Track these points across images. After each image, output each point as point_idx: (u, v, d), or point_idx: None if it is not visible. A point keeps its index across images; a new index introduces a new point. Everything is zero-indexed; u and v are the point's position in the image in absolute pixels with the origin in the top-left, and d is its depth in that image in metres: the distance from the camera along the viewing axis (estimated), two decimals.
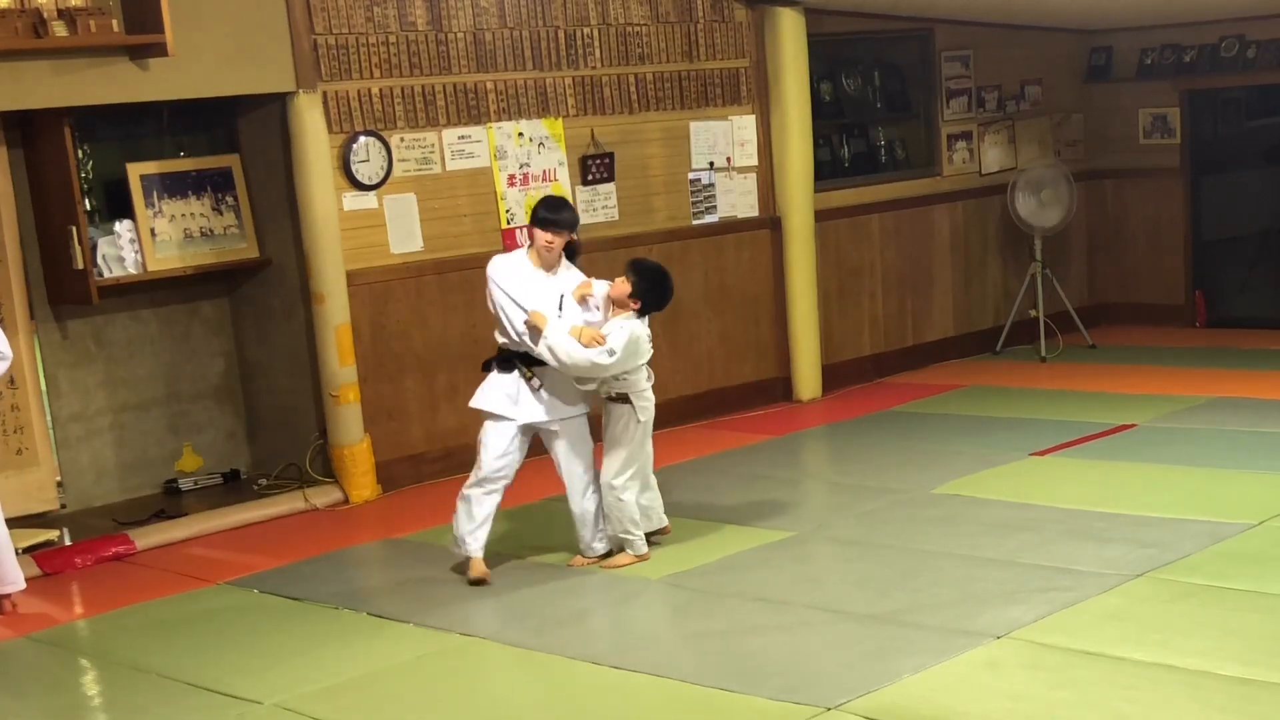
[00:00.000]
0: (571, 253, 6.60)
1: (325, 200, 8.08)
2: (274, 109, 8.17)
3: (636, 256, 7.09)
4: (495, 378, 6.61)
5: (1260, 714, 4.67)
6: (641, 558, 6.62)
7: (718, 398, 9.76)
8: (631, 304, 6.48)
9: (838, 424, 9.45)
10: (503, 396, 6.56)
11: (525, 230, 6.59)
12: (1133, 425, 8.61)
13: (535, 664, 5.61)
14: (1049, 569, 6.16)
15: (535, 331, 6.41)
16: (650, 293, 6.51)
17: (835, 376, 10.30)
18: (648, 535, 6.72)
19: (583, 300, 6.53)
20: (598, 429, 6.71)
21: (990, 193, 11.32)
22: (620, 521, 6.60)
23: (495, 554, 7.07)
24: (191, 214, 8.36)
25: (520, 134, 8.87)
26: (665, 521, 6.86)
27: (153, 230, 8.20)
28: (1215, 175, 11.92)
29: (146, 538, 7.67)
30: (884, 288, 10.74)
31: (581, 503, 6.67)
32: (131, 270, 8.13)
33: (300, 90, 7.98)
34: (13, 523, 7.87)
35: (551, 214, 6.49)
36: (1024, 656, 5.27)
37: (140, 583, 7.11)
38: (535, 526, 7.54)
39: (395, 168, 8.42)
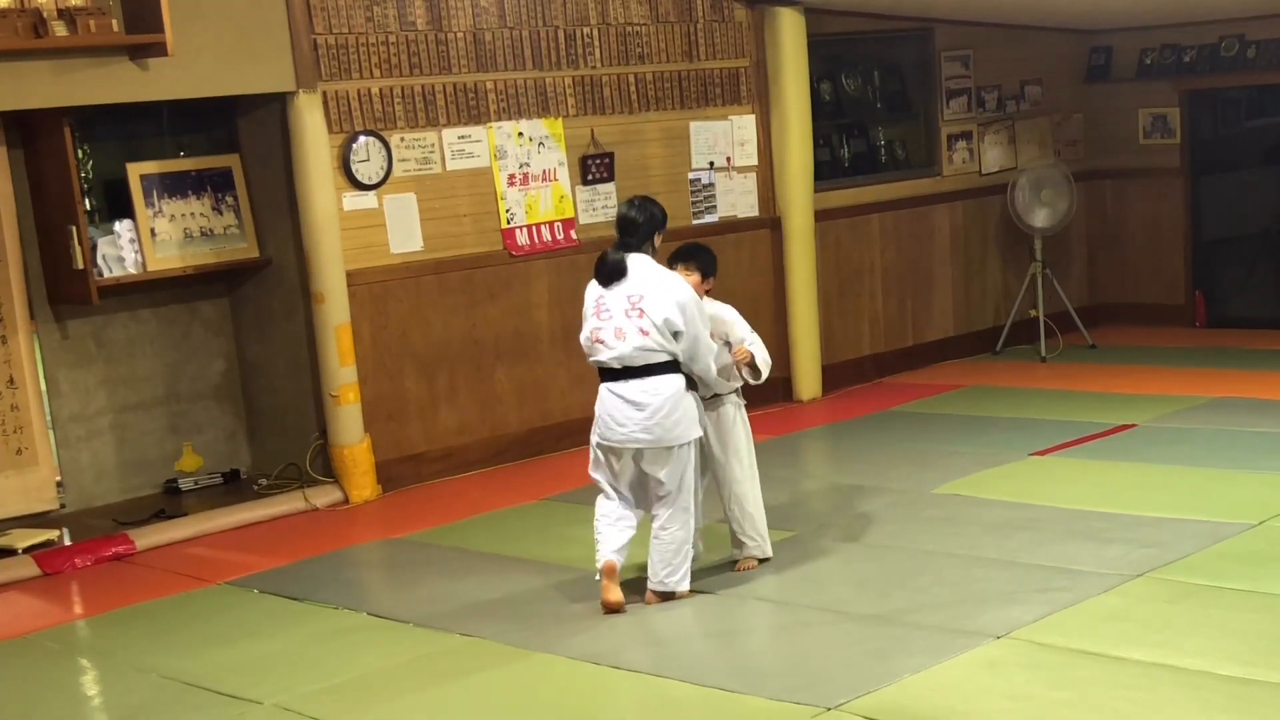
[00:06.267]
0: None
1: (325, 200, 8.08)
2: (274, 109, 8.17)
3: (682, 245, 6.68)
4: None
5: (1260, 714, 4.66)
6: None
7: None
8: (705, 287, 6.40)
9: (838, 424, 9.45)
10: None
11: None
12: (1133, 425, 8.61)
13: (535, 664, 5.61)
14: (1049, 569, 6.16)
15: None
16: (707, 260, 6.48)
17: (835, 376, 10.30)
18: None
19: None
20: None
21: (990, 193, 11.32)
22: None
23: (495, 555, 7.08)
24: (191, 214, 8.36)
25: (520, 134, 8.87)
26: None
27: (153, 230, 8.20)
28: (1215, 175, 11.92)
29: (146, 538, 7.67)
30: (884, 288, 10.74)
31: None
32: (131, 270, 8.13)
33: (300, 90, 7.98)
34: (13, 523, 7.90)
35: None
36: (1024, 656, 5.27)
37: (140, 583, 7.11)
38: (535, 526, 7.55)
39: (395, 168, 8.42)
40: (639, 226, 6.15)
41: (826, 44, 10.27)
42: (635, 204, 6.25)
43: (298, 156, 8.05)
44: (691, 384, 6.12)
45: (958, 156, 11.18)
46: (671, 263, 6.34)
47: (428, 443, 8.64)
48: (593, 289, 6.13)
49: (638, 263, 6.06)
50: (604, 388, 6.08)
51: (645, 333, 5.95)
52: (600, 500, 6.20)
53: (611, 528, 6.14)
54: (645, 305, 5.95)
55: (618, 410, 6.02)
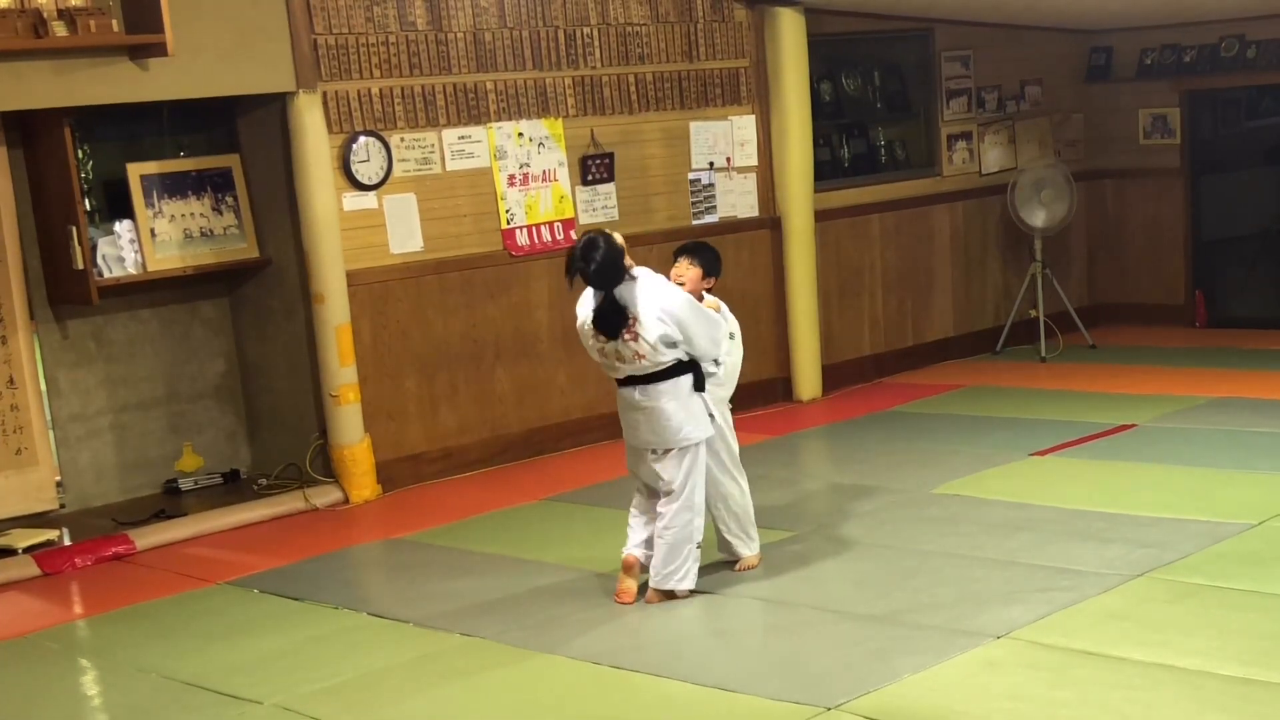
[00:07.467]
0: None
1: (325, 200, 8.08)
2: (274, 109, 8.17)
3: (682, 244, 6.66)
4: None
5: (1260, 714, 4.67)
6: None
7: None
8: (705, 284, 6.38)
9: (838, 424, 9.44)
10: None
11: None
12: (1133, 425, 8.61)
13: (535, 664, 5.61)
14: (1049, 569, 6.16)
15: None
16: (711, 258, 6.44)
17: (835, 376, 10.30)
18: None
19: None
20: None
21: (990, 193, 11.32)
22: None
23: (495, 555, 7.08)
24: (191, 214, 8.36)
25: (520, 134, 8.87)
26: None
27: (153, 230, 8.20)
28: (1215, 175, 11.92)
29: (146, 538, 7.67)
30: (884, 288, 10.74)
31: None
32: (131, 270, 8.13)
33: (300, 90, 7.98)
34: (13, 523, 7.90)
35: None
36: (1024, 656, 5.27)
37: (140, 583, 7.11)
38: (535, 526, 7.55)
39: (395, 168, 8.42)
40: (608, 270, 5.95)
41: (826, 44, 10.27)
42: (593, 262, 5.95)
43: (298, 156, 8.05)
44: (700, 384, 6.13)
45: (958, 157, 11.18)
46: (674, 257, 6.41)
47: (428, 443, 8.64)
48: (585, 309, 6.09)
49: (623, 290, 5.99)
50: (618, 391, 6.23)
51: (642, 356, 6.01)
52: (635, 495, 6.36)
53: (634, 521, 6.32)
54: (640, 329, 5.97)
55: (627, 413, 6.18)
